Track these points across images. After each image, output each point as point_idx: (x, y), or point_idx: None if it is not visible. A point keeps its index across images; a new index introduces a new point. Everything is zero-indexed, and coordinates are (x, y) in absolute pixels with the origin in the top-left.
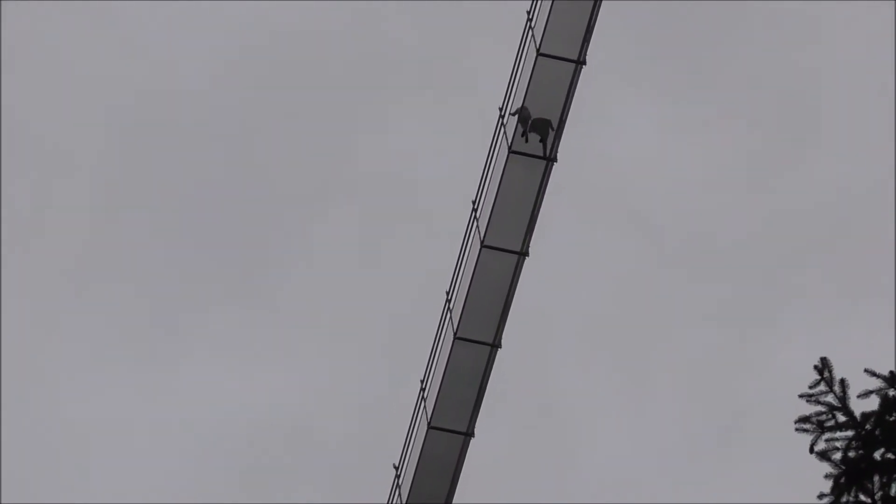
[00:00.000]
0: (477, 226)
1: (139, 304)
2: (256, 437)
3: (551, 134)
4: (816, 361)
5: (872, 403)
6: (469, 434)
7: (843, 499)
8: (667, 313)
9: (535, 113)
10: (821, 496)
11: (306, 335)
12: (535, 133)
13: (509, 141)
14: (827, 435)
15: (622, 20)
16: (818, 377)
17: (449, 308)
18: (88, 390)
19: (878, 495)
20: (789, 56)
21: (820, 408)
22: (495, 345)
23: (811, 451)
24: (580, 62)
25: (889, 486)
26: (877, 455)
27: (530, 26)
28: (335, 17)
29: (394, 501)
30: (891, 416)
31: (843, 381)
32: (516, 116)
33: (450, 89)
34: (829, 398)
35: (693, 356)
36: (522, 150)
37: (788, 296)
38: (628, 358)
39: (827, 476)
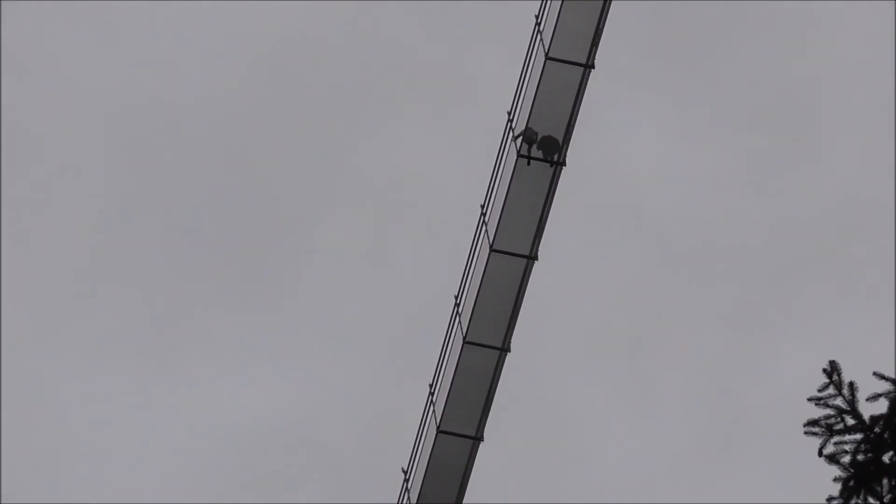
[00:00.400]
0: (486, 230)
1: (142, 307)
2: (260, 441)
3: (558, 152)
4: (820, 365)
5: (881, 407)
6: (478, 438)
7: (852, 502)
8: (671, 317)
9: (542, 129)
10: (829, 499)
11: (310, 339)
12: (542, 151)
13: (518, 146)
14: (836, 438)
15: (624, 24)
16: (827, 380)
17: (458, 312)
18: (91, 394)
19: (887, 499)
20: (791, 59)
21: (829, 411)
22: (504, 349)
23: (820, 454)
24: (589, 66)
25: None
26: (886, 458)
27: (539, 30)
28: (337, 19)
29: None
30: None
31: (851, 385)
32: (520, 139)
33: (453, 92)
34: (838, 401)
35: (698, 360)
36: (530, 155)
37: (793, 300)
38: (633, 361)
39: (836, 479)
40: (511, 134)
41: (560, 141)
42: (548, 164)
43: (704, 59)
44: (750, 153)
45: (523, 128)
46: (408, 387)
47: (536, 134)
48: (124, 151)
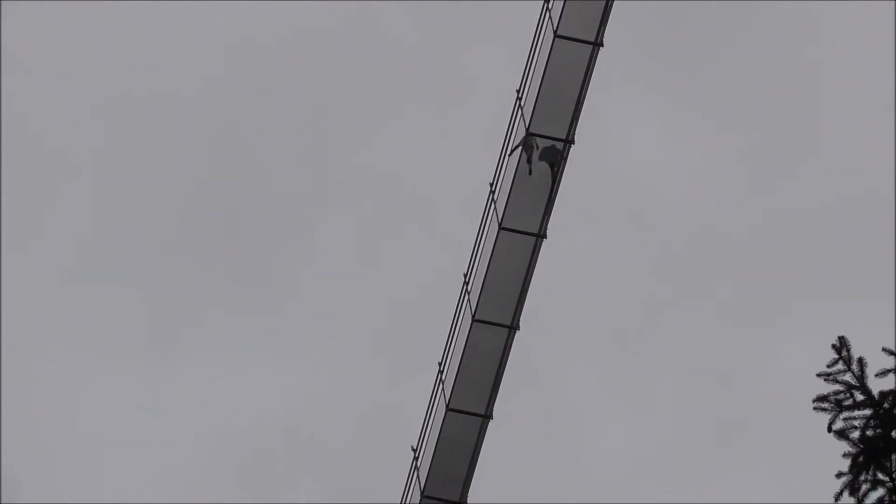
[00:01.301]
0: (494, 209)
1: (140, 307)
2: (260, 439)
3: (560, 161)
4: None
5: (890, 382)
6: (487, 416)
7: (861, 477)
8: (668, 313)
9: (543, 142)
10: (839, 475)
11: (309, 338)
12: (544, 161)
13: (526, 123)
14: (845, 414)
15: (623, 21)
16: (836, 356)
17: (467, 291)
18: (89, 394)
19: None
20: (790, 57)
21: (838, 387)
22: (513, 327)
23: (829, 429)
24: (597, 44)
25: None
26: (895, 434)
27: (547, 8)
28: (336, 16)
29: (412, 483)
30: None
31: (861, 360)
32: (520, 148)
33: (452, 91)
34: (847, 377)
35: (694, 356)
36: (540, 133)
37: (790, 296)
38: (630, 357)
39: (845, 455)
40: (520, 113)
41: (561, 150)
42: (558, 141)
43: (703, 57)
44: (748, 149)
45: (522, 138)
46: (406, 384)
47: (536, 143)
48: (123, 151)
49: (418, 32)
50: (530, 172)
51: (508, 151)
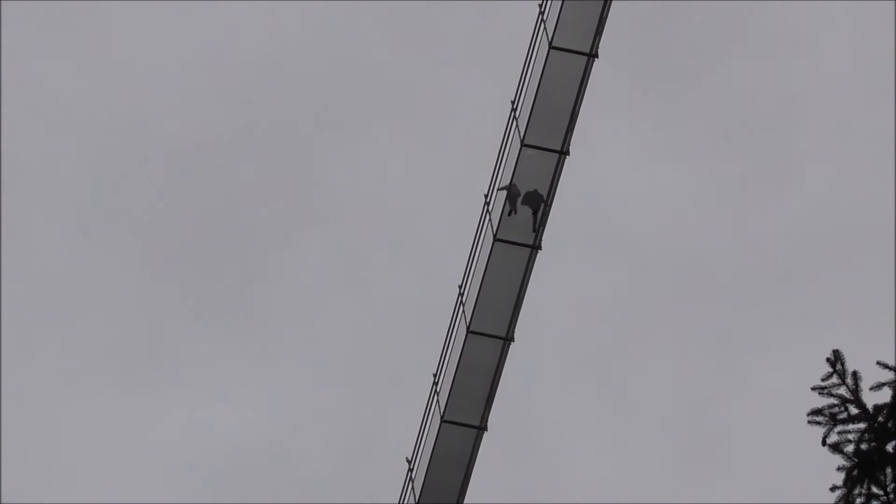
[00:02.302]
0: (490, 220)
1: (120, 332)
2: (239, 460)
3: (542, 207)
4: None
5: (885, 396)
6: (482, 428)
7: (856, 491)
8: (651, 336)
9: (524, 187)
10: (833, 488)
11: (287, 360)
12: (527, 206)
13: (521, 136)
14: (839, 427)
15: (603, 43)
16: (830, 370)
17: (462, 302)
18: (70, 419)
19: (890, 487)
20: (773, 78)
21: (832, 400)
22: (508, 338)
23: (823, 443)
24: (592, 55)
25: None
26: (889, 447)
27: (542, 20)
28: (311, 40)
29: (407, 495)
30: None
31: (855, 374)
32: (505, 191)
33: (430, 111)
34: (842, 390)
35: (677, 378)
36: (535, 144)
37: (772, 318)
38: (612, 381)
39: (839, 468)
40: (515, 125)
41: (545, 196)
42: (552, 153)
43: (685, 78)
44: (731, 173)
45: (507, 183)
46: (399, 399)
47: (519, 191)
48: (103, 175)
49: (393, 53)
50: (509, 214)
51: (496, 191)
